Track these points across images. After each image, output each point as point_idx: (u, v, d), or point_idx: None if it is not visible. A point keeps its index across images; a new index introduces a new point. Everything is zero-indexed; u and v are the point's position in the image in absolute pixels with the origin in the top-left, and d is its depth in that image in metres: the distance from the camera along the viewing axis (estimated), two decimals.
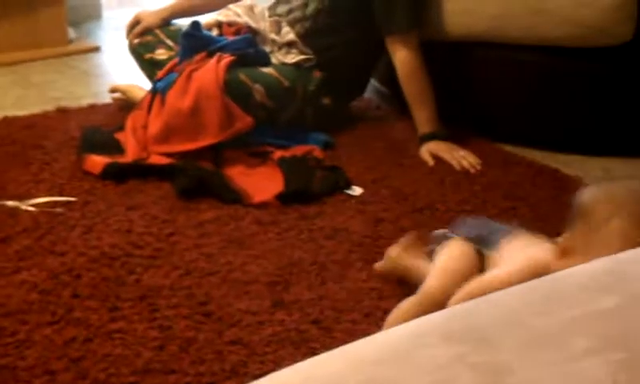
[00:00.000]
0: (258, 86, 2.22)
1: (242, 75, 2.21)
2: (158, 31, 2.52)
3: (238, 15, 2.44)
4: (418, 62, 2.29)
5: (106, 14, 3.92)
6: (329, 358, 0.47)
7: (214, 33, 2.43)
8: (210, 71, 2.17)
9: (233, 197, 1.97)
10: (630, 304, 0.57)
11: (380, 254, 1.71)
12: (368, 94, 2.69)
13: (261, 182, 2.05)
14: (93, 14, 3.85)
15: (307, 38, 2.37)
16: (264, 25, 2.41)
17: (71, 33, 3.40)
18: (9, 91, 2.79)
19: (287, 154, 2.17)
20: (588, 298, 0.56)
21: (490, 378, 0.46)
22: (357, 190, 2.04)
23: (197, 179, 2.01)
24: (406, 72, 2.30)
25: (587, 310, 0.54)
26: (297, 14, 2.40)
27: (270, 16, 2.43)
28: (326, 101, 2.38)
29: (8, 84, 2.86)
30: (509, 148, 2.33)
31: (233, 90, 2.17)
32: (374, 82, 2.73)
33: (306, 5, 2.40)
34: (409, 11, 2.29)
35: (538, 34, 2.24)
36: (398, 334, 0.51)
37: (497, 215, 1.91)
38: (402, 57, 2.30)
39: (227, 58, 2.21)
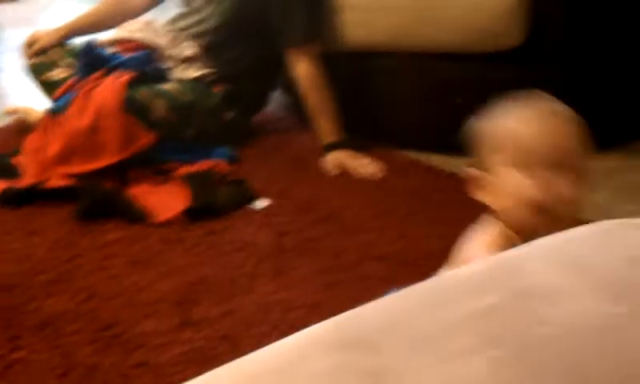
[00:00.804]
0: (158, 102, 2.20)
1: (142, 92, 2.19)
2: (54, 50, 2.46)
3: (136, 32, 2.41)
4: (317, 73, 2.31)
5: (4, 34, 3.81)
6: (213, 376, 0.48)
7: (112, 50, 2.39)
8: (108, 89, 2.14)
9: (137, 216, 1.94)
10: (509, 301, 0.59)
11: (287, 265, 1.73)
12: (272, 106, 2.70)
13: (166, 200, 2.03)
14: None
15: (208, 52, 2.37)
16: (163, 40, 2.39)
17: None
18: None
19: (192, 169, 2.15)
20: (470, 298, 0.58)
21: None
22: (262, 203, 2.04)
23: (100, 200, 1.98)
24: (307, 83, 2.32)
25: (469, 309, 0.56)
26: (196, 28, 2.39)
27: (168, 32, 2.41)
28: (229, 115, 2.38)
29: None
30: (412, 155, 2.37)
31: (132, 106, 2.14)
32: (277, 94, 2.74)
33: (204, 19, 2.39)
34: (306, 23, 2.31)
35: (433, 42, 2.30)
36: (282, 347, 0.52)
37: (400, 219, 1.95)
38: (301, 69, 2.32)
39: (126, 75, 2.19)
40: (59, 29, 2.53)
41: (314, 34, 2.33)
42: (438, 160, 2.32)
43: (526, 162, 1.15)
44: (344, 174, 2.21)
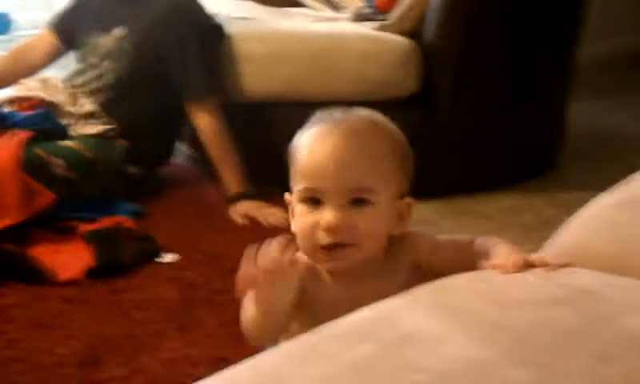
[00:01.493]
0: (57, 160, 2.17)
1: (40, 150, 2.15)
2: None
3: (32, 89, 2.38)
4: (219, 125, 2.32)
5: None
6: None
7: (9, 109, 2.34)
8: (4, 149, 2.09)
9: (39, 276, 1.89)
10: (384, 350, 0.61)
11: (193, 320, 1.71)
12: (178, 158, 2.69)
13: (68, 258, 1.99)
14: None
15: (107, 107, 2.35)
16: (60, 98, 2.35)
17: None
18: None
19: (95, 226, 2.12)
20: (344, 349, 0.59)
21: None
22: (169, 257, 2.02)
23: (4, 262, 1.92)
24: (209, 136, 2.33)
25: (343, 361, 0.58)
26: (94, 84, 2.38)
27: (66, 88, 2.39)
28: (132, 170, 2.36)
29: None
30: None
31: (30, 166, 2.10)
32: (182, 147, 2.73)
33: (102, 75, 2.38)
34: (205, 77, 2.33)
35: (331, 92, 2.35)
36: None
37: None
38: (203, 122, 2.33)
39: (22, 134, 2.14)
40: None
41: (214, 88, 2.35)
42: None
43: (306, 184, 1.03)
44: (252, 225, 2.22)
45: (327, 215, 1.01)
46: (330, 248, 1.03)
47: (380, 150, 1.05)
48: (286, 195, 1.10)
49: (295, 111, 2.40)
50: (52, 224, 2.14)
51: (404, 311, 0.67)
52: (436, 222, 2.27)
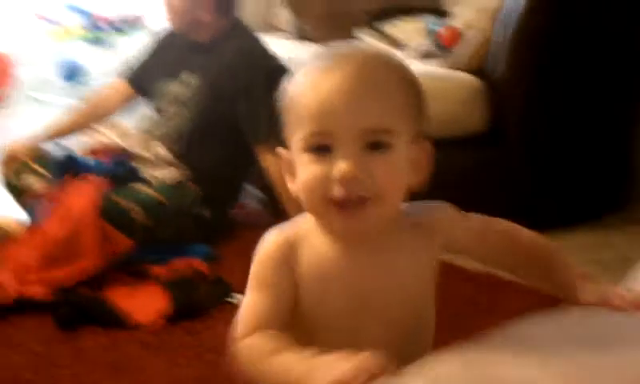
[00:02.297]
0: (134, 206, 2.22)
1: (117, 197, 2.21)
2: (29, 160, 2.48)
3: (109, 137, 2.45)
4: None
5: None
6: None
7: (86, 156, 2.42)
8: (84, 196, 2.16)
9: (117, 321, 1.93)
10: None
11: None
12: (247, 200, 2.72)
13: (145, 302, 2.02)
14: None
15: (179, 152, 2.40)
16: (134, 143, 2.42)
17: None
18: None
19: (169, 270, 2.16)
20: None
21: None
22: (241, 299, 2.04)
23: (78, 307, 1.97)
24: (277, 176, 2.35)
25: None
26: (167, 131, 2.43)
27: (139, 135, 2.45)
28: (204, 213, 2.40)
29: None
30: None
31: (109, 212, 2.15)
32: (252, 189, 2.77)
33: (175, 122, 2.43)
34: (270, 121, 2.36)
35: None
36: None
37: None
38: (270, 163, 2.36)
39: (100, 181, 2.21)
40: (34, 138, 2.56)
41: (280, 129, 2.37)
42: None
43: (312, 128, 0.87)
44: None
45: (341, 163, 0.84)
46: (345, 204, 0.86)
47: (395, 83, 0.88)
48: (281, 151, 0.95)
49: None
50: (126, 268, 2.19)
51: (497, 355, 0.66)
52: None
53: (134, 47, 5.43)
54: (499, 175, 2.34)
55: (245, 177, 2.58)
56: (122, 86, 2.65)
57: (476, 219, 0.98)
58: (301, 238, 0.92)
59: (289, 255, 0.93)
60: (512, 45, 2.29)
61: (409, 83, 0.91)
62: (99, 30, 4.84)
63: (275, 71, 2.42)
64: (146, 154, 2.40)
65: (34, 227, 2.19)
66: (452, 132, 2.32)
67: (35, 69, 5.30)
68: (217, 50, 2.43)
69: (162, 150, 2.40)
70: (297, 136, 0.89)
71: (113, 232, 2.15)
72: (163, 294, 2.03)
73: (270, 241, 0.95)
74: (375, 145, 0.86)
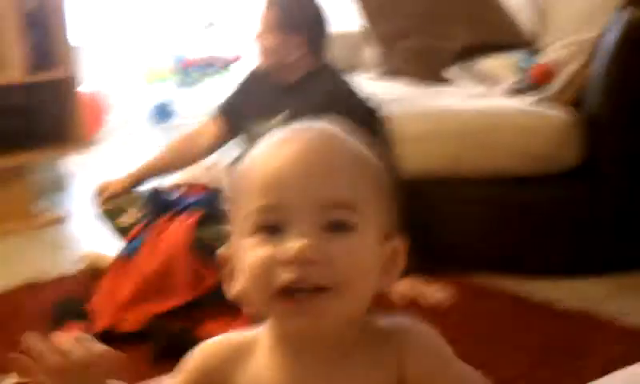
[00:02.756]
0: (225, 242, 2.23)
1: (209, 232, 2.23)
2: (123, 197, 2.55)
3: (200, 175, 2.49)
4: None
5: (73, 183, 3.97)
6: None
7: (178, 194, 2.46)
8: (176, 232, 2.19)
9: None
10: None
11: None
12: None
13: None
14: (59, 185, 3.89)
15: None
16: (225, 183, 2.45)
17: (36, 204, 3.42)
18: None
19: None
20: None
21: None
22: None
23: (174, 340, 1.98)
24: None
25: None
26: None
27: (230, 173, 2.48)
28: None
29: None
30: (479, 279, 2.34)
31: (201, 247, 2.18)
32: None
33: None
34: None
35: (489, 168, 2.31)
36: None
37: (475, 346, 1.91)
38: None
39: (193, 217, 2.24)
40: (126, 177, 2.62)
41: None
42: (508, 283, 2.29)
43: (260, 202, 0.74)
44: (413, 302, 2.19)
45: (293, 241, 0.71)
46: (295, 293, 0.71)
47: (354, 158, 0.78)
48: (221, 251, 0.84)
49: (452, 188, 2.41)
50: (220, 303, 2.19)
51: None
52: (601, 302, 2.15)
53: (222, 88, 5.57)
54: (595, 211, 2.27)
55: None
56: (216, 125, 2.69)
57: (456, 363, 0.81)
58: (251, 347, 0.81)
59: (222, 367, 0.83)
60: (609, 78, 2.24)
61: (370, 163, 0.79)
62: (189, 72, 4.97)
63: (366, 112, 2.42)
64: None
65: (127, 261, 2.23)
66: (546, 169, 2.28)
67: (127, 109, 5.47)
68: (305, 91, 2.45)
69: None
70: (243, 214, 0.76)
71: (203, 267, 2.17)
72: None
73: (211, 343, 0.85)
74: (336, 225, 0.73)
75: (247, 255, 0.75)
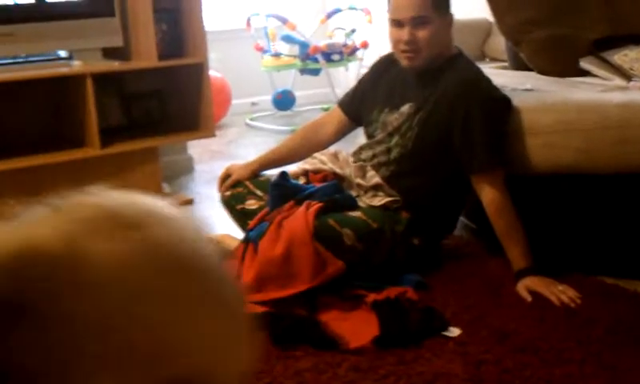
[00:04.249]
0: (347, 230, 2.24)
1: (331, 220, 2.24)
2: (247, 183, 2.59)
3: (323, 163, 2.50)
4: (504, 198, 2.28)
5: (198, 167, 4.08)
6: None
7: (301, 181, 2.48)
8: (299, 218, 2.21)
9: (329, 343, 1.95)
10: None
11: None
12: (458, 230, 2.68)
13: (356, 327, 2.03)
14: (185, 169, 4.01)
15: (392, 180, 2.40)
16: (349, 170, 2.45)
17: (165, 187, 3.54)
18: None
19: (380, 296, 2.15)
20: None
21: None
22: (454, 331, 1.99)
23: (292, 327, 2.01)
24: (494, 209, 2.29)
25: None
26: (381, 158, 2.44)
27: (354, 162, 2.48)
28: (415, 241, 2.38)
29: None
30: (610, 281, 2.25)
31: (323, 235, 2.19)
32: (463, 219, 2.71)
33: (389, 150, 2.44)
34: (490, 150, 2.30)
35: (626, 163, 2.21)
36: None
37: (603, 350, 1.84)
38: (488, 194, 2.30)
39: (315, 205, 2.25)
40: (251, 163, 2.67)
41: (497, 160, 2.31)
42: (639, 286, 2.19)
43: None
44: (539, 301, 2.13)
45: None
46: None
47: None
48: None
49: (586, 183, 2.32)
50: (339, 292, 2.21)
51: None
52: None
53: (346, 77, 5.58)
54: None
55: (458, 208, 2.53)
56: (339, 115, 2.70)
57: None
58: None
59: None
60: None
61: None
62: (313, 60, 5.00)
63: (496, 102, 2.37)
64: (360, 181, 2.43)
65: (251, 247, 2.26)
66: None
67: (250, 97, 5.58)
68: (436, 80, 2.41)
69: (376, 178, 2.41)
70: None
71: (326, 254, 2.18)
72: (375, 319, 2.03)
73: None
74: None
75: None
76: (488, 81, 2.40)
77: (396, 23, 2.38)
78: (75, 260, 0.48)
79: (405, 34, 2.36)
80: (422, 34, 2.35)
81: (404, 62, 2.42)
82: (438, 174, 2.41)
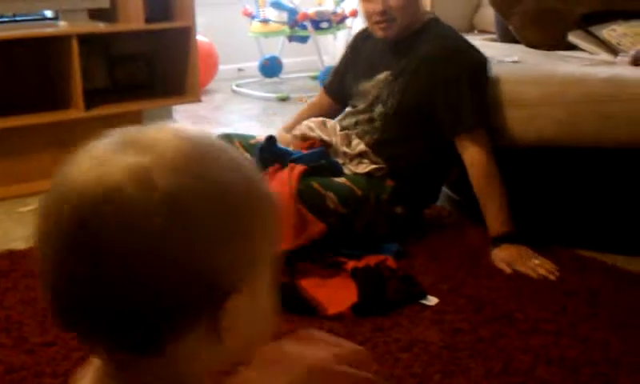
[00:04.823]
0: (330, 194, 2.25)
1: (315, 183, 2.25)
2: (237, 144, 2.58)
3: (311, 129, 2.50)
4: (487, 160, 2.29)
5: None
6: None
7: (290, 147, 2.48)
8: (283, 180, 2.21)
9: (308, 308, 1.96)
10: None
11: (457, 367, 1.68)
12: (440, 201, 2.69)
13: (335, 293, 2.04)
14: None
15: (377, 148, 2.40)
16: (336, 139, 2.46)
17: None
18: None
19: (360, 264, 2.16)
20: None
21: None
22: (432, 300, 2.01)
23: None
24: (476, 171, 2.30)
25: None
26: (365, 127, 2.45)
27: (340, 130, 2.48)
28: (398, 209, 2.39)
29: None
30: (585, 253, 2.27)
31: (306, 197, 2.19)
32: (446, 190, 2.72)
33: (372, 119, 2.45)
34: (474, 111, 2.31)
35: (609, 138, 2.22)
36: None
37: (578, 322, 1.86)
38: (472, 155, 2.31)
39: (300, 167, 2.26)
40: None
41: (481, 121, 2.31)
42: (617, 259, 2.21)
43: None
44: (516, 273, 2.15)
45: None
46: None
47: None
48: None
49: (567, 156, 2.33)
50: (319, 259, 2.21)
51: None
52: None
53: (334, 45, 5.56)
54: None
55: (443, 178, 2.54)
56: (326, 98, 2.76)
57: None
58: None
59: None
60: None
61: None
62: (302, 27, 4.97)
63: (476, 64, 2.37)
64: (346, 149, 2.43)
65: None
66: None
67: (237, 62, 5.55)
68: (412, 47, 2.42)
69: (361, 146, 2.41)
70: None
71: (308, 215, 2.18)
72: (354, 286, 2.04)
73: None
74: None
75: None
76: (466, 42, 2.42)
77: None
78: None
79: (378, 4, 2.37)
80: (394, 2, 2.36)
81: (379, 34, 2.44)
82: (421, 141, 2.41)
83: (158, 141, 0.65)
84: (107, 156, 0.65)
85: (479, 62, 2.38)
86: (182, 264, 0.62)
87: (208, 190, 0.64)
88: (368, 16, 2.44)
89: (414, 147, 2.41)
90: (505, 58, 2.59)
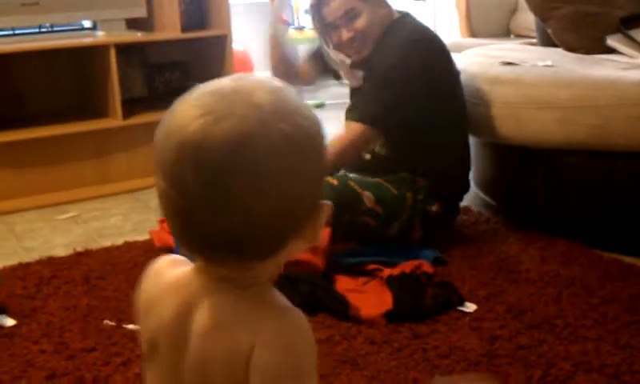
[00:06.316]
0: (367, 193, 2.25)
1: (352, 182, 2.25)
2: None
3: None
4: (344, 146, 2.30)
5: None
6: None
7: None
8: None
9: (344, 313, 1.95)
10: None
11: (497, 373, 1.66)
12: (476, 207, 2.67)
13: (371, 300, 2.03)
14: None
15: (400, 147, 2.40)
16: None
17: None
18: (129, 217, 2.91)
19: (396, 272, 2.14)
20: None
21: None
22: (470, 307, 1.99)
23: (309, 295, 2.00)
24: (339, 142, 2.30)
25: None
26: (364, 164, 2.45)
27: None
28: (434, 207, 2.37)
29: (128, 210, 3.00)
30: (627, 259, 2.24)
31: (342, 196, 2.19)
32: (482, 195, 2.71)
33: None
34: (369, 107, 2.32)
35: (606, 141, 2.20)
36: None
37: (620, 328, 1.83)
38: (346, 129, 2.33)
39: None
40: None
41: (370, 119, 2.32)
42: None
43: None
44: (556, 279, 2.12)
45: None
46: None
47: None
48: None
49: (597, 161, 2.30)
50: (355, 266, 2.21)
51: None
52: None
53: None
54: None
55: (467, 163, 2.52)
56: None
57: None
58: None
59: None
60: None
61: None
62: None
63: (390, 67, 2.32)
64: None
65: None
66: None
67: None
68: (372, 56, 2.41)
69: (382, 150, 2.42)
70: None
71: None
72: (388, 294, 2.03)
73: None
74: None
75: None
76: (412, 42, 2.35)
77: (331, 27, 2.39)
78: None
79: (344, 32, 2.37)
80: (359, 23, 2.36)
81: (355, 58, 2.45)
82: (421, 136, 2.38)
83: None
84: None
85: (393, 67, 2.32)
86: (305, 183, 0.79)
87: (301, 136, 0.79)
88: (339, 47, 2.43)
89: (419, 141, 2.38)
90: (538, 62, 2.57)
